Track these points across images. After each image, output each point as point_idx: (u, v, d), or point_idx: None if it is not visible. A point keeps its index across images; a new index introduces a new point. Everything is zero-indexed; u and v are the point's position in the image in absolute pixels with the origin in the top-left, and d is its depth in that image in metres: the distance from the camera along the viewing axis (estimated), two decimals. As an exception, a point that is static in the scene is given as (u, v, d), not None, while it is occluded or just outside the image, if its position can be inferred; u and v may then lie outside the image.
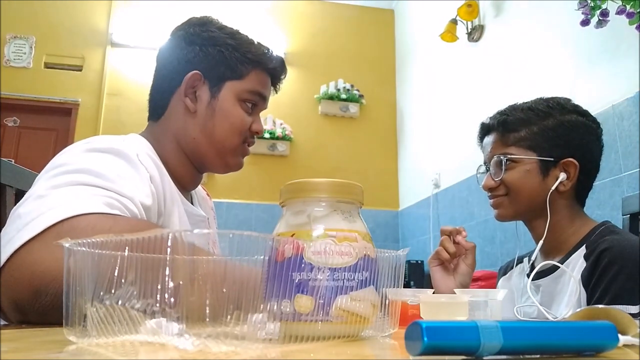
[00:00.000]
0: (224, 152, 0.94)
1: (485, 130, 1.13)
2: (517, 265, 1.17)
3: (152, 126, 0.96)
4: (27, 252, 0.59)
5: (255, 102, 0.97)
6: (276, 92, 1.04)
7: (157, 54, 0.98)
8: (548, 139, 1.03)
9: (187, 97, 0.92)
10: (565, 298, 0.96)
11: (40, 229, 0.59)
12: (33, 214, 0.62)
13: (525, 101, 1.10)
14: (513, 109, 1.09)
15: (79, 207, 0.62)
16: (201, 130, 0.92)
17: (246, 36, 0.98)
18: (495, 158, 1.05)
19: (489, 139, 1.10)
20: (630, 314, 0.84)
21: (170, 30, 0.98)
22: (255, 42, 0.98)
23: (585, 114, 1.06)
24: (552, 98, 1.08)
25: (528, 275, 1.08)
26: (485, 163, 1.12)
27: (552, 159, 1.02)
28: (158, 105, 0.96)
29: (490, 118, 1.11)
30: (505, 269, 1.20)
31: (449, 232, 1.11)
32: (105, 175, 0.70)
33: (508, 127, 1.06)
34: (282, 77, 1.02)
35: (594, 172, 1.06)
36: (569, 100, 1.08)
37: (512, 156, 1.04)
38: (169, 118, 0.94)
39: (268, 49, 0.99)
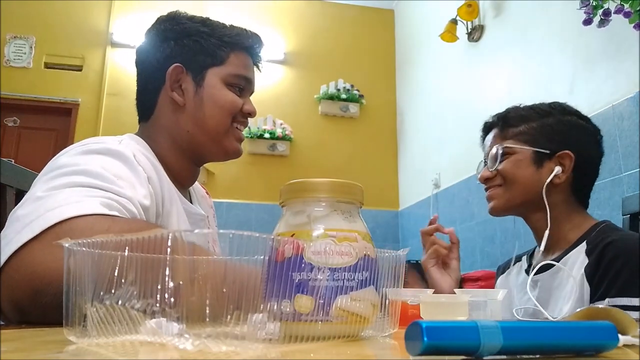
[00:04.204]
0: (218, 138, 0.94)
1: (487, 128, 1.15)
2: (516, 263, 1.17)
3: (144, 127, 0.96)
4: (27, 253, 0.59)
5: (242, 86, 0.96)
6: (259, 70, 1.03)
7: (135, 59, 0.98)
8: (545, 134, 1.05)
9: (174, 91, 0.92)
10: (563, 293, 0.96)
11: (39, 230, 0.59)
12: (31, 215, 0.62)
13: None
14: (515, 107, 1.11)
15: (78, 209, 0.62)
16: (193, 122, 0.92)
17: (217, 21, 0.98)
18: (492, 150, 1.07)
19: (489, 136, 1.12)
20: (635, 306, 0.84)
21: (144, 33, 0.98)
22: (228, 25, 0.98)
23: (585, 119, 1.08)
24: (554, 102, 1.11)
25: (526, 271, 1.09)
26: (484, 160, 1.13)
27: (547, 152, 1.03)
28: (146, 106, 0.96)
29: (491, 116, 1.14)
30: (504, 268, 1.20)
31: (435, 229, 1.12)
32: (103, 176, 0.70)
33: (508, 122, 1.08)
34: (260, 51, 1.01)
35: (592, 172, 1.07)
36: (571, 106, 1.10)
37: (508, 147, 1.05)
38: (160, 116, 0.94)
39: (242, 29, 0.98)
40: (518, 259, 1.17)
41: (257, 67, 1.02)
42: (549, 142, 1.04)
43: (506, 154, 1.05)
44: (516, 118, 1.08)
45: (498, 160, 1.06)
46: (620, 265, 0.88)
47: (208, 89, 0.93)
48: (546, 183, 1.01)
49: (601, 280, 0.90)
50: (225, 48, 0.94)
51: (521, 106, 1.11)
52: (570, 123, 1.05)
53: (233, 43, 0.95)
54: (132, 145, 0.84)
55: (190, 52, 0.93)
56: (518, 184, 1.04)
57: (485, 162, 1.12)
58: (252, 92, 1.01)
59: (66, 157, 0.75)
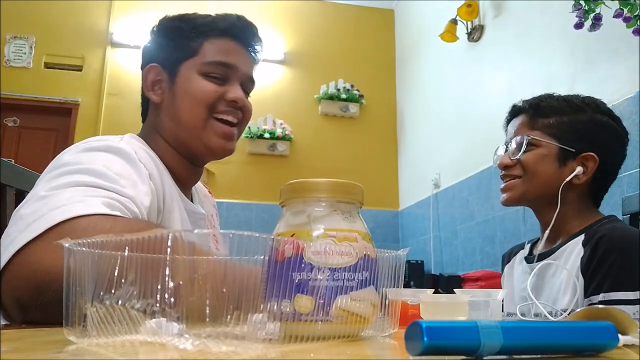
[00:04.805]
0: (196, 132, 0.89)
1: (514, 112, 1.12)
2: (520, 251, 1.17)
3: (143, 127, 0.98)
4: (29, 252, 0.59)
5: (221, 74, 0.90)
6: (253, 52, 0.96)
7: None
8: (575, 131, 1.03)
9: (150, 91, 0.93)
10: (558, 282, 0.97)
11: (42, 229, 0.60)
12: (34, 215, 0.62)
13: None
14: (548, 96, 1.09)
15: (80, 209, 0.62)
16: (170, 118, 0.91)
17: (196, 13, 0.94)
18: (517, 137, 1.05)
19: (516, 121, 1.10)
20: (631, 300, 0.84)
21: None
22: (205, 15, 0.94)
23: (617, 119, 1.07)
24: (588, 96, 1.09)
25: (526, 258, 1.10)
26: (506, 144, 1.11)
27: (572, 150, 1.02)
28: (143, 108, 0.98)
29: (522, 101, 1.11)
30: (509, 256, 1.20)
31: None
32: (105, 175, 0.70)
33: (539, 112, 1.06)
34: (246, 32, 0.94)
35: (611, 177, 1.06)
36: (604, 103, 1.08)
37: (534, 138, 1.04)
38: (150, 117, 0.96)
39: (220, 14, 0.94)
40: (521, 247, 1.17)
41: (248, 48, 0.95)
42: (577, 141, 1.02)
43: (531, 144, 1.04)
44: (548, 108, 1.05)
45: (522, 150, 1.04)
46: (613, 259, 0.89)
47: (180, 83, 0.90)
48: (564, 182, 1.00)
49: (594, 274, 0.90)
50: (198, 38, 0.91)
51: (554, 95, 1.09)
52: (601, 123, 1.04)
53: (207, 30, 0.91)
54: (133, 143, 0.84)
55: (165, 50, 0.93)
56: (538, 178, 1.03)
57: (506, 146, 1.10)
58: (242, 77, 0.94)
59: (69, 155, 0.75)
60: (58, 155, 0.77)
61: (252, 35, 0.96)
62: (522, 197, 1.06)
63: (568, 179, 1.00)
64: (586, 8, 1.85)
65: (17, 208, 0.67)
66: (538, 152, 1.03)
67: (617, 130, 1.05)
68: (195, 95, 0.89)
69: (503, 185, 1.09)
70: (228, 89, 0.91)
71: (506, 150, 1.09)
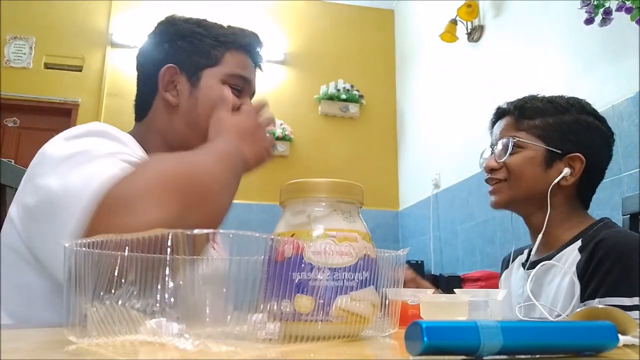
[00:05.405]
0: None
1: (499, 113, 1.12)
2: (517, 257, 1.17)
3: (137, 126, 0.96)
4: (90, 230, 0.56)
5: (240, 87, 0.93)
6: (260, 69, 1.00)
7: (135, 64, 0.98)
8: (560, 132, 1.02)
9: (167, 92, 0.91)
10: (555, 289, 0.96)
11: (86, 204, 0.57)
12: (61, 201, 0.61)
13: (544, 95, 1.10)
14: (532, 97, 1.09)
15: (107, 173, 0.61)
16: (187, 124, 0.90)
17: (214, 22, 0.96)
18: (503, 140, 1.05)
19: (501, 122, 1.10)
20: (626, 306, 0.84)
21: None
22: (225, 25, 0.96)
23: (602, 120, 1.06)
24: (573, 97, 1.08)
25: (523, 266, 1.09)
26: (491, 146, 1.10)
27: (559, 152, 1.02)
28: (141, 107, 0.95)
29: (507, 103, 1.11)
30: (508, 261, 1.20)
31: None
32: (101, 152, 0.69)
33: (524, 113, 1.06)
34: (259, 50, 0.98)
35: (598, 176, 1.06)
36: (589, 104, 1.08)
37: (520, 140, 1.03)
38: (154, 117, 0.94)
39: (239, 28, 0.96)
40: (520, 252, 1.17)
41: (259, 66, 1.00)
42: (562, 142, 1.02)
43: (517, 146, 1.03)
44: (533, 110, 1.05)
45: (508, 152, 1.03)
46: (610, 264, 0.88)
47: (204, 90, 0.90)
48: (552, 184, 0.99)
49: (591, 278, 0.89)
50: (220, 48, 0.92)
51: (539, 96, 1.08)
52: (586, 123, 1.03)
53: (228, 42, 0.93)
54: (111, 126, 0.82)
55: (184, 53, 0.92)
56: (523, 181, 1.03)
57: (492, 149, 1.09)
58: (253, 94, 0.98)
59: (53, 148, 0.73)
60: (39, 154, 0.74)
61: (261, 53, 0.99)
62: (510, 201, 1.05)
63: (556, 180, 0.99)
64: (596, 3, 1.84)
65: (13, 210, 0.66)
66: (524, 154, 1.03)
67: (602, 130, 1.05)
68: (216, 103, 0.90)
69: (490, 188, 1.08)
70: (243, 102, 0.94)
71: (492, 153, 1.09)
